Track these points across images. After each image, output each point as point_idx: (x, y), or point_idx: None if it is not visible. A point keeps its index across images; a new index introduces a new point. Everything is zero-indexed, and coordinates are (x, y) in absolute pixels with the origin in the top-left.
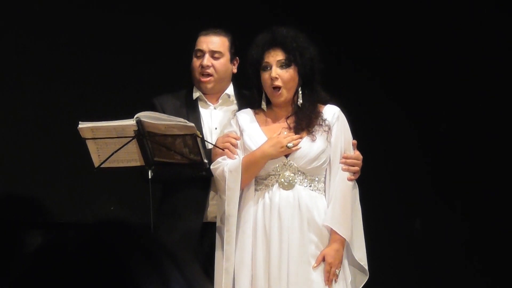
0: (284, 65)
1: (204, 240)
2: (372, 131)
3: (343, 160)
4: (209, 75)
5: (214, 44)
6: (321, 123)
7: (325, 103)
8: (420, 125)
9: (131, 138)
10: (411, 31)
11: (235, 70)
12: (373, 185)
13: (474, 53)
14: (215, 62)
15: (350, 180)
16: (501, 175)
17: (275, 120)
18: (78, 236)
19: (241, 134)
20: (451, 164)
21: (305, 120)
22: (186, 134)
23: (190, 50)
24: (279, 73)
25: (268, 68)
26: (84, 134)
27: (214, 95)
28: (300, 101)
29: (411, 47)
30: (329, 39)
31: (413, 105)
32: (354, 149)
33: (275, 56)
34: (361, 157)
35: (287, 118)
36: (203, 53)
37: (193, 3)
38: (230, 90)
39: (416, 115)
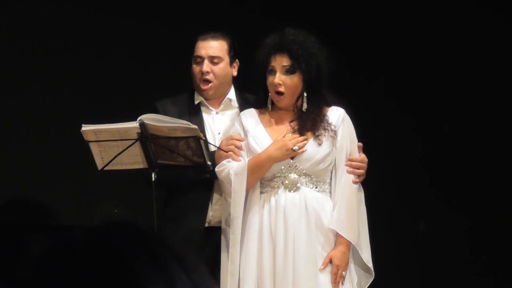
0: (289, 71)
1: (209, 244)
2: (377, 133)
3: (348, 162)
4: (209, 81)
5: (213, 49)
6: (326, 127)
7: (330, 105)
8: (424, 126)
9: (134, 141)
10: (413, 31)
11: (235, 73)
12: (378, 187)
13: (476, 53)
14: (214, 68)
15: (355, 182)
16: (505, 176)
17: (279, 121)
18: (84, 238)
19: (245, 135)
20: (455, 165)
21: (309, 122)
22: (189, 136)
23: (192, 53)
24: (283, 79)
25: (273, 72)
26: (87, 137)
27: (216, 99)
28: (305, 106)
29: (414, 48)
30: (330, 39)
31: (416, 106)
32: (359, 152)
33: (280, 61)
34: (366, 160)
35: (291, 121)
36: (202, 59)
37: (195, 5)
38: (231, 94)
39: (420, 116)
